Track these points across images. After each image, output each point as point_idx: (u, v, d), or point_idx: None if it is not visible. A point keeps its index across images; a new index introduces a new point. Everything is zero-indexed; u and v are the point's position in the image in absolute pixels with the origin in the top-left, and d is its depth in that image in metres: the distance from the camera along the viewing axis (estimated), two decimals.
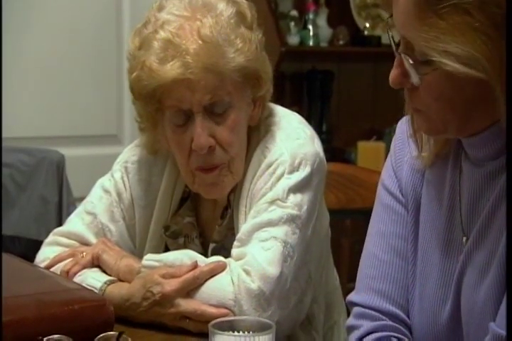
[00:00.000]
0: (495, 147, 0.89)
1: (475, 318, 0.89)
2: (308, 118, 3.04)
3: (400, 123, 1.03)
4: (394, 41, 0.88)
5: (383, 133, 3.06)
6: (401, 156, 1.03)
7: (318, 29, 2.98)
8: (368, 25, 3.09)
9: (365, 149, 2.89)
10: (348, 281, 1.51)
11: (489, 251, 0.88)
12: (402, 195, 1.01)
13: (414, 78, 0.85)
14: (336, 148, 2.98)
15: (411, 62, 0.84)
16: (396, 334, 0.97)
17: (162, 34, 1.13)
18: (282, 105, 1.31)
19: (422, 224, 0.99)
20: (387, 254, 1.00)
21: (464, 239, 0.92)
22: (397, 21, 0.85)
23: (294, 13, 2.97)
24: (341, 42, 3.04)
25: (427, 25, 0.81)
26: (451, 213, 0.95)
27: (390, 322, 0.97)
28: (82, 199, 1.34)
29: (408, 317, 0.98)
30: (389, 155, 1.05)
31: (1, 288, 0.94)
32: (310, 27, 2.96)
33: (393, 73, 0.87)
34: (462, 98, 0.85)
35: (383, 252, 1.00)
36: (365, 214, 1.35)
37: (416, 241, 0.99)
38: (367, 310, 0.99)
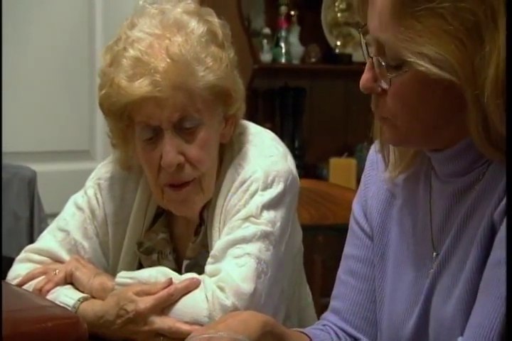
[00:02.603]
0: (462, 163, 0.90)
1: (443, 334, 0.89)
2: (281, 135, 3.05)
3: (372, 146, 1.05)
4: (367, 47, 0.89)
5: (355, 149, 3.09)
6: (370, 178, 1.05)
7: (290, 46, 3.01)
8: (339, 43, 3.13)
9: (337, 165, 2.91)
10: (321, 297, 1.52)
11: (457, 266, 0.89)
12: (366, 220, 1.04)
13: (384, 81, 0.86)
14: (308, 164, 3.00)
15: (383, 63, 0.85)
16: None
17: (131, 52, 1.14)
18: (255, 121, 1.32)
19: (392, 243, 1.00)
20: (344, 275, 1.06)
21: (434, 254, 0.93)
22: (372, 23, 0.86)
23: (267, 30, 2.99)
24: (313, 60, 3.07)
25: (404, 26, 0.82)
26: (422, 231, 0.96)
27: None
28: (53, 215, 1.33)
29: (365, 334, 1.03)
30: (361, 180, 1.07)
31: (0, 289, 0.93)
32: (282, 44, 2.99)
33: (364, 77, 0.88)
34: (429, 107, 0.86)
35: (342, 273, 1.06)
36: (337, 230, 1.37)
37: (383, 261, 1.01)
38: (327, 324, 1.06)
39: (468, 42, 0.81)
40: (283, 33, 2.99)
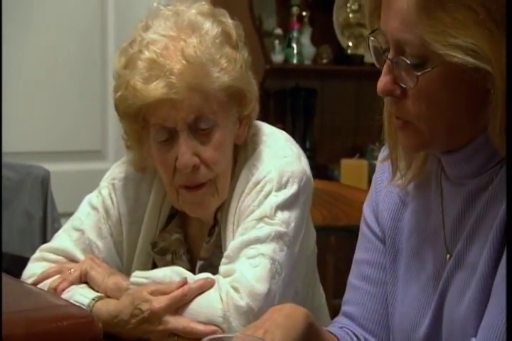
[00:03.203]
0: (473, 165, 0.90)
1: (456, 334, 0.90)
2: (292, 136, 2.99)
3: (382, 149, 1.04)
4: (379, 50, 0.89)
5: (366, 151, 3.08)
6: (381, 182, 1.05)
7: (302, 47, 3.01)
8: (351, 44, 3.13)
9: (349, 166, 2.91)
10: (333, 298, 1.52)
11: (471, 267, 0.90)
12: (378, 223, 1.04)
13: (409, 81, 0.86)
14: (320, 165, 2.99)
15: (408, 61, 0.85)
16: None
17: (147, 54, 1.14)
18: (266, 122, 1.32)
19: (404, 246, 1.00)
20: (356, 280, 1.05)
21: (448, 256, 0.93)
22: (390, 25, 0.86)
23: (279, 31, 2.99)
24: (325, 61, 3.07)
25: (433, 20, 0.82)
26: (435, 233, 0.96)
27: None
28: (66, 214, 1.34)
29: (378, 338, 1.03)
30: (372, 183, 1.07)
31: (1, 288, 0.93)
32: (294, 45, 2.99)
33: (382, 80, 0.88)
34: (453, 104, 0.86)
35: (354, 278, 1.06)
36: (350, 231, 1.37)
37: (395, 265, 1.01)
38: (344, 326, 1.06)
39: (497, 32, 0.82)
40: (295, 34, 2.99)
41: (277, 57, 2.94)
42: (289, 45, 2.99)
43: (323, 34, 3.08)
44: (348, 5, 3.15)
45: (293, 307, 0.95)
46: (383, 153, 1.04)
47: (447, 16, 0.82)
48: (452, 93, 0.85)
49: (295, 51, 2.98)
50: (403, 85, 0.87)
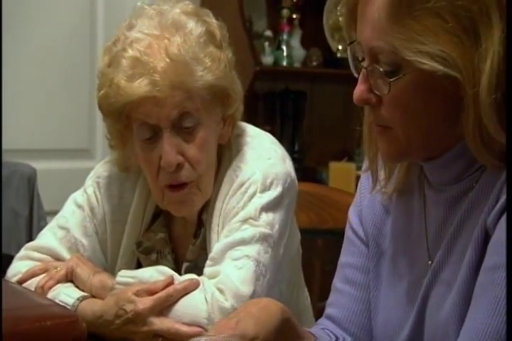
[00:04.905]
0: (454, 171, 0.91)
1: (438, 339, 0.90)
2: (281, 138, 3.04)
3: (364, 161, 1.05)
4: (357, 60, 0.91)
5: (354, 154, 3.09)
6: (365, 187, 1.05)
7: (292, 50, 3.01)
8: (340, 47, 3.13)
9: (337, 169, 2.91)
10: (319, 300, 1.52)
11: (452, 272, 0.90)
12: (362, 227, 1.05)
13: (383, 88, 0.87)
14: (308, 167, 3.00)
15: (380, 69, 0.86)
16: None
17: (130, 52, 1.14)
18: (255, 124, 1.32)
19: (387, 251, 1.01)
20: (340, 283, 1.06)
21: (429, 262, 0.94)
22: (364, 35, 0.88)
23: (269, 33, 3.00)
24: (314, 64, 3.08)
25: (403, 27, 0.84)
26: (417, 239, 0.97)
27: None
28: (52, 213, 1.33)
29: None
30: (357, 188, 1.08)
31: (0, 288, 0.93)
32: (284, 47, 2.99)
33: (358, 89, 0.90)
34: (427, 112, 0.87)
35: (338, 281, 1.06)
36: (337, 234, 1.37)
37: (378, 269, 1.02)
38: (325, 328, 1.06)
39: (466, 40, 0.83)
40: (285, 36, 2.99)
41: (267, 59, 2.95)
42: (279, 48, 2.99)
43: (313, 37, 3.09)
44: (338, 8, 3.15)
45: (269, 301, 0.95)
46: (365, 164, 1.05)
47: (416, 24, 0.83)
48: (426, 100, 0.86)
49: (285, 53, 2.98)
50: (378, 93, 0.88)
